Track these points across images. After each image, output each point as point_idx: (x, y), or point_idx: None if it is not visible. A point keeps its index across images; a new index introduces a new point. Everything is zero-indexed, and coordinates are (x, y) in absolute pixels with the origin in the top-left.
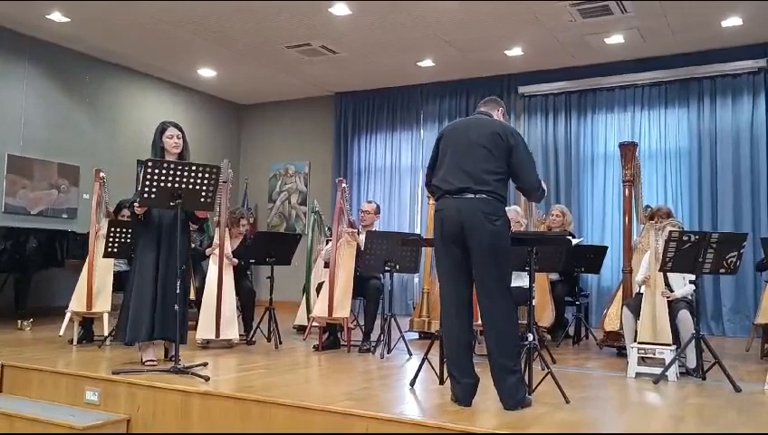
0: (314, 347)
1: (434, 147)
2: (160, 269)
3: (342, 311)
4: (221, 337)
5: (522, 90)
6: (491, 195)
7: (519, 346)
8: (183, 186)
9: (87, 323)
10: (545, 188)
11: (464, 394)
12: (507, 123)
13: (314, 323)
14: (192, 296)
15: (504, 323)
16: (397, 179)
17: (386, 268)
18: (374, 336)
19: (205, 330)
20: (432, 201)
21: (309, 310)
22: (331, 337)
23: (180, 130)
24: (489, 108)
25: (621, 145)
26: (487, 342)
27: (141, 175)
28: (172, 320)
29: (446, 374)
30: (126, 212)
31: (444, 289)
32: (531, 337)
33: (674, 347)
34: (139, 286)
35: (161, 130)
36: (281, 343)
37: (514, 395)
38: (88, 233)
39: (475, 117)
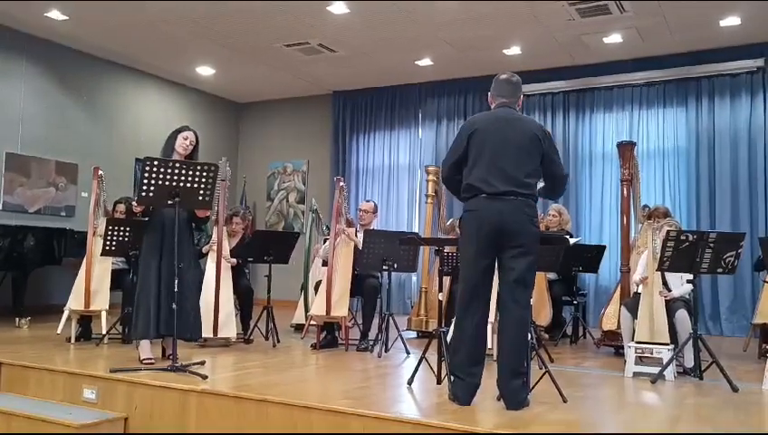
0: (312, 346)
1: (461, 140)
2: (163, 268)
3: (340, 310)
4: (219, 336)
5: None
6: (530, 198)
7: (528, 349)
8: (181, 184)
9: (85, 321)
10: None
11: (466, 393)
12: (534, 119)
13: (312, 322)
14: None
15: (522, 324)
16: (395, 178)
17: (384, 267)
18: (372, 335)
19: (203, 328)
20: (431, 200)
21: (307, 308)
22: (328, 336)
23: (196, 136)
24: (512, 98)
25: (619, 144)
26: (501, 342)
27: (140, 173)
28: (179, 318)
29: (443, 373)
30: (120, 208)
31: (468, 288)
32: (529, 336)
33: (671, 347)
34: (143, 285)
35: (179, 129)
36: (278, 341)
37: (518, 396)
38: (86, 231)
39: (506, 112)
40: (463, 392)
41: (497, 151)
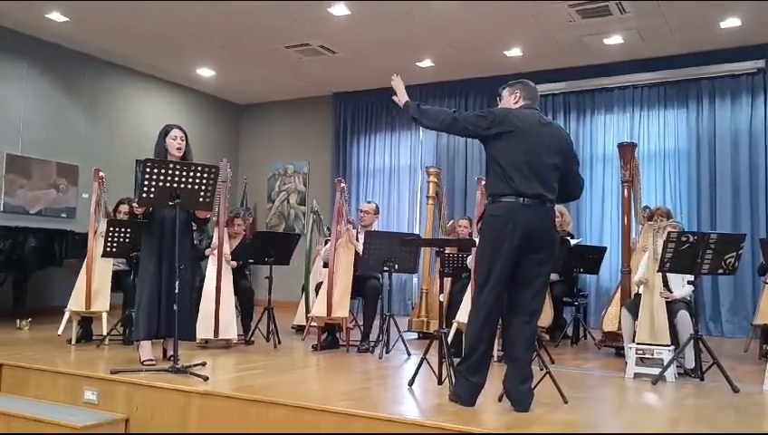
0: (313, 347)
1: (490, 117)
2: (163, 269)
3: (341, 311)
4: (220, 337)
5: None
6: (554, 203)
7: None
8: (182, 186)
9: (86, 322)
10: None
11: (470, 394)
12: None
13: (313, 323)
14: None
15: (536, 328)
16: (396, 180)
17: (385, 268)
18: (373, 336)
19: (203, 330)
20: (432, 202)
21: (308, 310)
22: (329, 337)
23: (184, 132)
24: (536, 103)
25: (620, 146)
26: (515, 345)
27: (140, 175)
28: (174, 319)
29: (444, 374)
30: (123, 208)
31: (495, 290)
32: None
33: (672, 348)
34: (143, 286)
35: (165, 132)
36: (279, 342)
37: (528, 398)
38: (87, 232)
39: (536, 114)
40: (468, 393)
41: (533, 154)
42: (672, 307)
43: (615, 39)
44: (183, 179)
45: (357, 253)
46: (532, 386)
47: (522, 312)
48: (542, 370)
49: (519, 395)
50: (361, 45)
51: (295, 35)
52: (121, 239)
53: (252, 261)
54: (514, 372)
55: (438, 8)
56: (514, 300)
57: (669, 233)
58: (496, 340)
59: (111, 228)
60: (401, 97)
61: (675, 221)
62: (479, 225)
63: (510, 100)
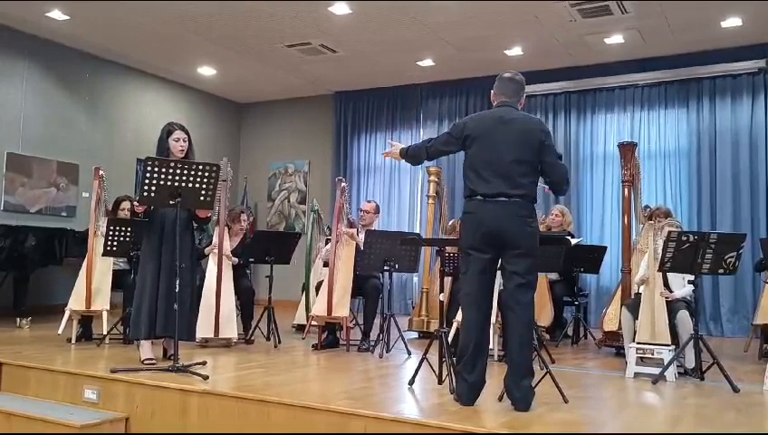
0: (313, 346)
1: (454, 132)
2: (163, 268)
3: (341, 310)
4: (220, 336)
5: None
6: (525, 198)
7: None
8: (183, 184)
9: (86, 321)
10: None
11: (469, 393)
12: (534, 117)
13: (313, 323)
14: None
15: (528, 324)
16: (396, 179)
17: (385, 268)
18: (373, 335)
19: (204, 329)
20: (432, 201)
21: (308, 309)
22: (330, 336)
23: (187, 133)
24: (514, 97)
25: (621, 145)
26: (510, 343)
27: (142, 173)
28: (173, 318)
29: (444, 374)
30: (125, 205)
31: (469, 288)
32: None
33: (672, 347)
34: (142, 285)
35: (168, 131)
36: (280, 342)
37: (528, 397)
38: (87, 231)
39: (505, 110)
40: (467, 392)
41: (491, 152)
42: (672, 307)
43: (616, 38)
44: (184, 178)
45: (357, 252)
46: (533, 385)
47: (509, 307)
48: (542, 369)
49: (519, 393)
50: (362, 44)
51: (296, 34)
52: (122, 238)
53: (252, 260)
54: (512, 370)
55: (439, 7)
56: (501, 296)
57: (670, 233)
58: (495, 338)
59: (112, 227)
60: (397, 155)
61: (674, 221)
62: None
63: (494, 102)
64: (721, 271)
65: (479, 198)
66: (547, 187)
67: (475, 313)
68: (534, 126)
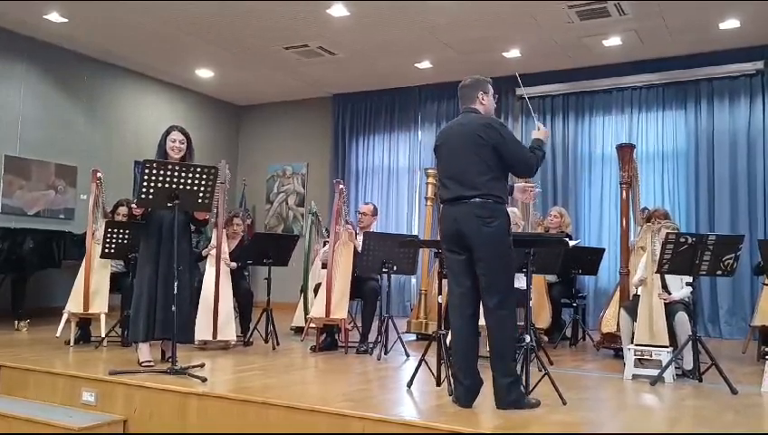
0: (312, 348)
1: (435, 145)
2: (160, 270)
3: (340, 312)
4: (218, 338)
5: (519, 91)
6: (483, 197)
7: (516, 348)
8: (181, 187)
9: (84, 323)
10: (539, 157)
11: (466, 395)
12: (489, 116)
13: (312, 325)
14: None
15: (499, 326)
16: (394, 181)
17: (383, 270)
18: (371, 338)
19: (202, 331)
20: (430, 203)
21: (306, 311)
22: (328, 338)
23: (185, 135)
24: (469, 101)
25: (619, 147)
26: (489, 342)
27: (140, 175)
28: (171, 320)
29: (443, 376)
30: (122, 210)
31: (451, 290)
32: (528, 339)
33: (671, 349)
34: (140, 287)
35: (166, 133)
36: (278, 344)
37: (506, 396)
38: (85, 234)
39: (463, 117)
40: (463, 394)
41: (448, 158)
42: (670, 308)
43: (614, 40)
44: (182, 180)
45: (356, 254)
46: (528, 386)
47: (484, 311)
48: (540, 371)
49: (496, 390)
50: (360, 47)
51: (294, 37)
52: (120, 241)
53: (250, 262)
54: (491, 368)
55: (437, 9)
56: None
57: (667, 234)
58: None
59: (110, 230)
60: None
61: (672, 222)
62: None
63: None
64: (719, 272)
65: (444, 204)
66: (539, 188)
67: (457, 318)
68: (481, 122)
